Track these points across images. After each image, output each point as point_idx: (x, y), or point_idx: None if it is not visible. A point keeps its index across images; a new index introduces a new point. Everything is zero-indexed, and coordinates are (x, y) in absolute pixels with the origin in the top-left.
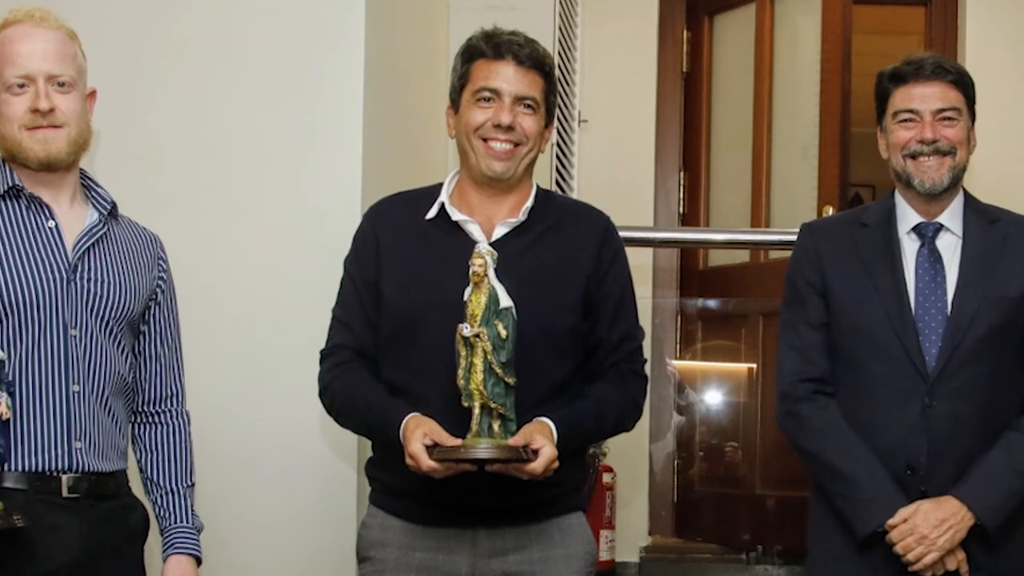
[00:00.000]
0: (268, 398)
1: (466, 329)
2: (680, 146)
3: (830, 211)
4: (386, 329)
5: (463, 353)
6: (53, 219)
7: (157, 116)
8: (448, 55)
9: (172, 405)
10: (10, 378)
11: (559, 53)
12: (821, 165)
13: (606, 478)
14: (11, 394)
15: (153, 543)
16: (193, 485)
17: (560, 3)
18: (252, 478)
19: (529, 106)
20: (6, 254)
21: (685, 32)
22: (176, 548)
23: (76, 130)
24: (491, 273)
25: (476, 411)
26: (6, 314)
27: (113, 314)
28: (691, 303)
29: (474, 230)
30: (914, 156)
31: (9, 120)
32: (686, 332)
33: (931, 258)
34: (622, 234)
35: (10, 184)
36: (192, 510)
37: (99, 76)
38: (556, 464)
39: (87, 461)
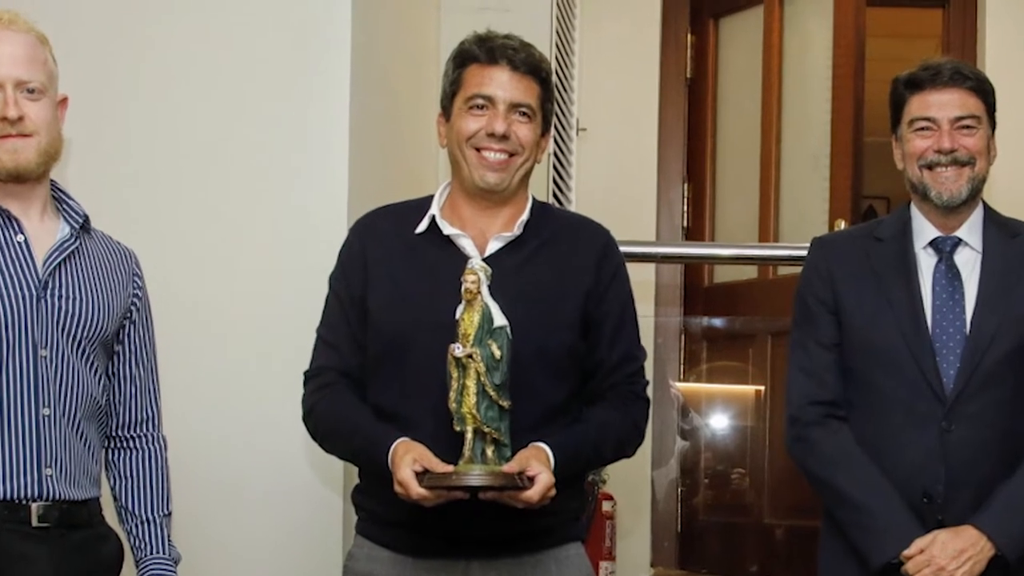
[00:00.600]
0: (249, 422)
1: (458, 349)
2: (684, 156)
3: (842, 225)
4: (373, 349)
5: (455, 375)
6: (22, 233)
7: (132, 124)
8: (439, 60)
9: (148, 429)
10: None
11: (556, 57)
12: (833, 176)
13: (606, 506)
14: None
15: (128, 574)
16: (170, 514)
17: (557, 5)
18: (232, 506)
19: (525, 114)
20: None
21: (689, 35)
22: None
23: (46, 139)
24: (484, 290)
25: (469, 436)
26: None
27: (85, 333)
28: (696, 322)
29: (466, 245)
30: (931, 166)
31: None
32: (690, 352)
33: (949, 274)
34: (623, 249)
35: None
36: (169, 540)
37: (70, 82)
38: (553, 492)
39: (58, 489)
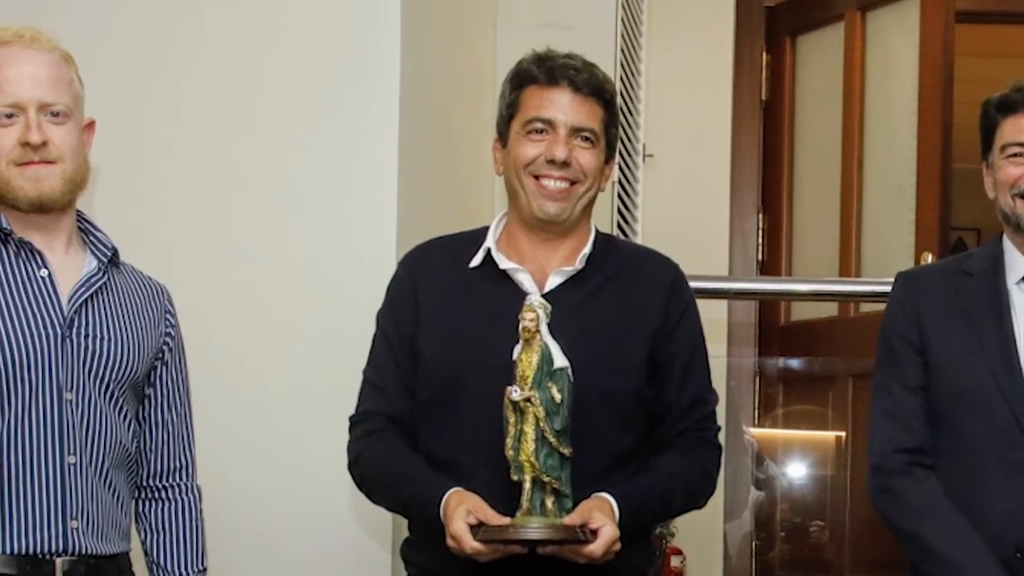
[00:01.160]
0: (290, 471)
1: (515, 393)
2: (759, 184)
3: (929, 258)
4: (424, 393)
5: (512, 420)
6: (46, 267)
7: (164, 151)
8: (495, 81)
9: (181, 479)
10: None
11: (621, 78)
12: (919, 206)
13: (674, 562)
14: None
15: None
16: (205, 570)
17: (623, 21)
18: (272, 561)
19: (587, 139)
20: None
21: (764, 55)
22: None
23: (72, 166)
24: (544, 329)
25: (527, 485)
26: None
27: (114, 375)
28: (771, 363)
29: (524, 280)
30: None
31: None
32: (765, 396)
33: None
34: (693, 284)
35: None
36: None
37: (98, 105)
38: (618, 546)
39: (85, 542)
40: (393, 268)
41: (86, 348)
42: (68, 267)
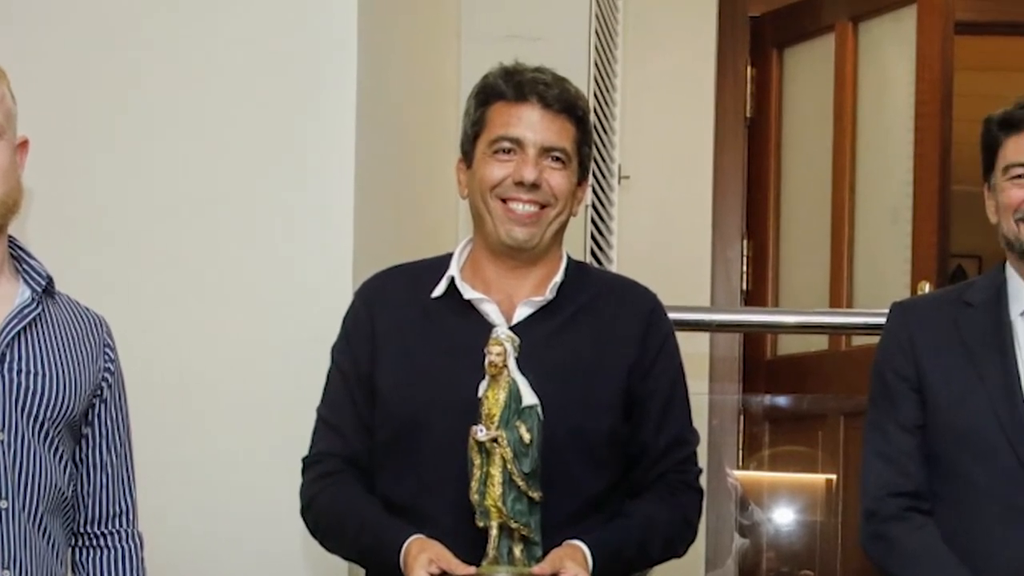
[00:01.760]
0: (238, 516)
1: (481, 432)
2: (743, 208)
3: (926, 288)
4: (383, 433)
5: (477, 461)
6: None
7: (104, 174)
8: (459, 96)
9: (121, 525)
10: None
11: (595, 94)
12: (915, 231)
13: None
14: None
15: None
16: None
17: (597, 33)
18: None
19: (558, 159)
20: None
21: (749, 68)
22: None
23: (4, 188)
24: (511, 364)
25: (493, 532)
26: None
27: (49, 414)
28: (757, 400)
29: (491, 311)
30: None
31: None
32: (750, 435)
33: None
34: (672, 316)
35: None
36: None
37: (32, 123)
38: None
39: None
40: (349, 299)
41: (19, 384)
42: None
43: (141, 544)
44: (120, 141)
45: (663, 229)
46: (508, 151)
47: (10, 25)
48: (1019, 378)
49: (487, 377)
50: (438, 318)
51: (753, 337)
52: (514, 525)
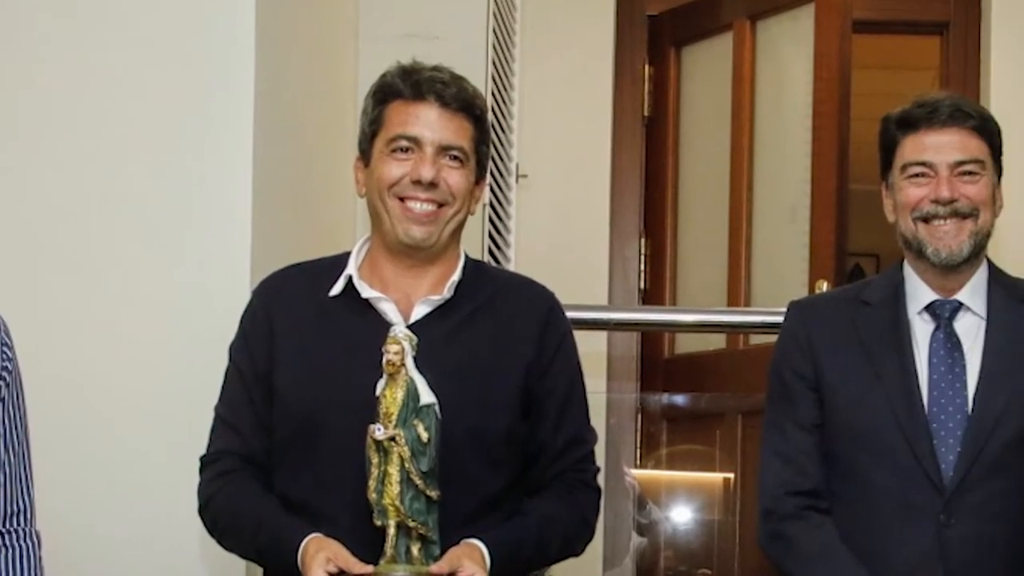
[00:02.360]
0: (137, 515)
1: (379, 431)
2: (640, 207)
3: (824, 287)
4: (281, 432)
5: (375, 460)
6: None
7: (1, 171)
8: (357, 96)
9: (18, 524)
10: None
11: (493, 93)
12: (813, 230)
13: None
14: None
15: None
16: None
17: (494, 31)
18: None
19: (456, 158)
20: None
21: (647, 67)
22: None
23: None
24: (409, 362)
25: (391, 531)
26: None
27: None
28: (654, 399)
29: (388, 310)
30: (927, 219)
31: None
32: (648, 434)
33: (948, 344)
34: (570, 314)
35: None
36: None
37: None
38: None
39: None
40: (247, 298)
41: None
42: None
43: (39, 543)
44: (17, 140)
45: (561, 228)
46: (406, 150)
47: None
48: (917, 377)
49: (385, 376)
50: (336, 317)
51: (651, 336)
52: (412, 524)
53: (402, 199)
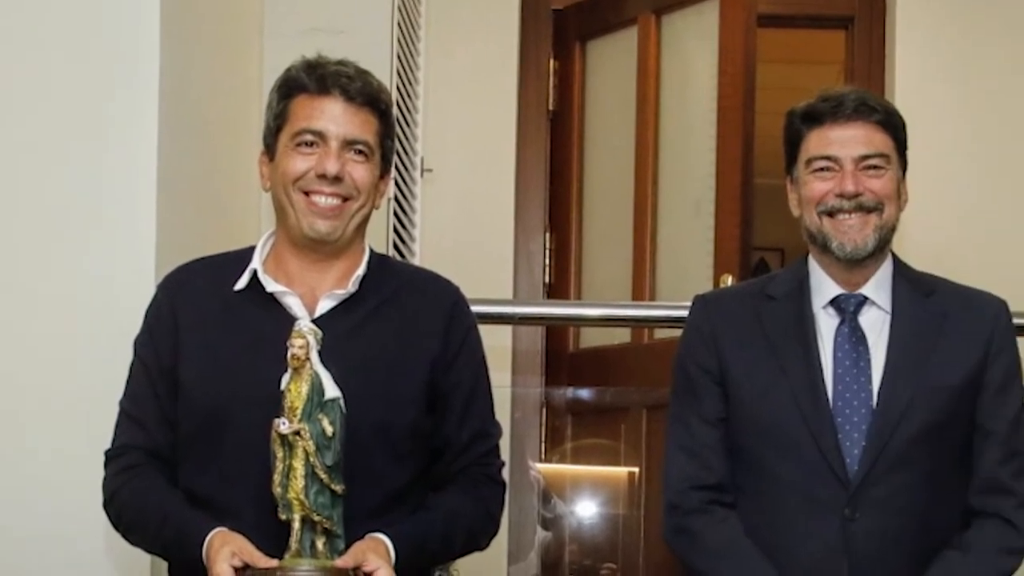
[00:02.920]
0: (41, 510)
1: (283, 425)
2: (545, 201)
3: (729, 281)
4: (186, 426)
5: (280, 455)
6: None
7: None
8: (261, 90)
9: None
10: None
11: (398, 87)
12: (718, 224)
13: None
14: None
15: None
16: None
17: (399, 25)
18: None
19: (361, 152)
20: None
21: (552, 61)
22: None
23: None
24: (314, 356)
25: (296, 525)
26: None
27: None
28: (559, 393)
29: (293, 304)
30: (832, 213)
31: None
32: (553, 428)
33: (853, 338)
34: (475, 309)
35: None
36: None
37: None
38: None
39: None
40: (152, 292)
41: None
42: None
43: None
44: None
45: (466, 222)
46: (310, 144)
47: None
48: (822, 371)
49: (290, 370)
50: (241, 311)
51: (556, 330)
52: (316, 518)
53: (307, 193)
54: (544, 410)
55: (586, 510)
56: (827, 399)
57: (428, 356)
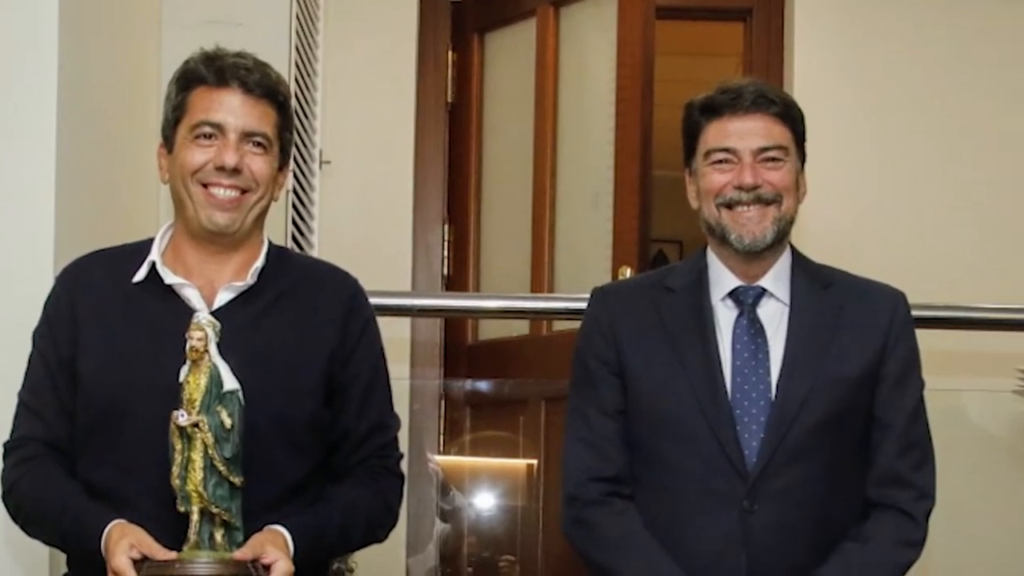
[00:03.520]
0: None
1: (182, 417)
2: (444, 193)
3: (627, 273)
4: (84, 418)
5: (178, 447)
6: None
7: None
8: (160, 82)
9: None
10: None
11: (296, 79)
12: (616, 216)
13: None
14: None
15: None
16: None
17: (298, 17)
18: None
19: (259, 144)
20: None
21: (450, 53)
22: None
23: None
24: (213, 348)
25: (195, 517)
26: None
27: None
28: (458, 385)
29: (192, 296)
30: (730, 205)
31: None
32: (451, 420)
33: (751, 330)
34: (373, 301)
35: None
36: None
37: None
38: None
39: None
40: (50, 284)
41: None
42: None
43: None
44: None
45: (364, 214)
46: (209, 136)
47: None
48: (720, 363)
49: (188, 362)
50: (139, 303)
51: (454, 322)
52: (215, 510)
53: (205, 185)
54: (443, 402)
55: (485, 502)
56: (725, 391)
57: (326, 348)
